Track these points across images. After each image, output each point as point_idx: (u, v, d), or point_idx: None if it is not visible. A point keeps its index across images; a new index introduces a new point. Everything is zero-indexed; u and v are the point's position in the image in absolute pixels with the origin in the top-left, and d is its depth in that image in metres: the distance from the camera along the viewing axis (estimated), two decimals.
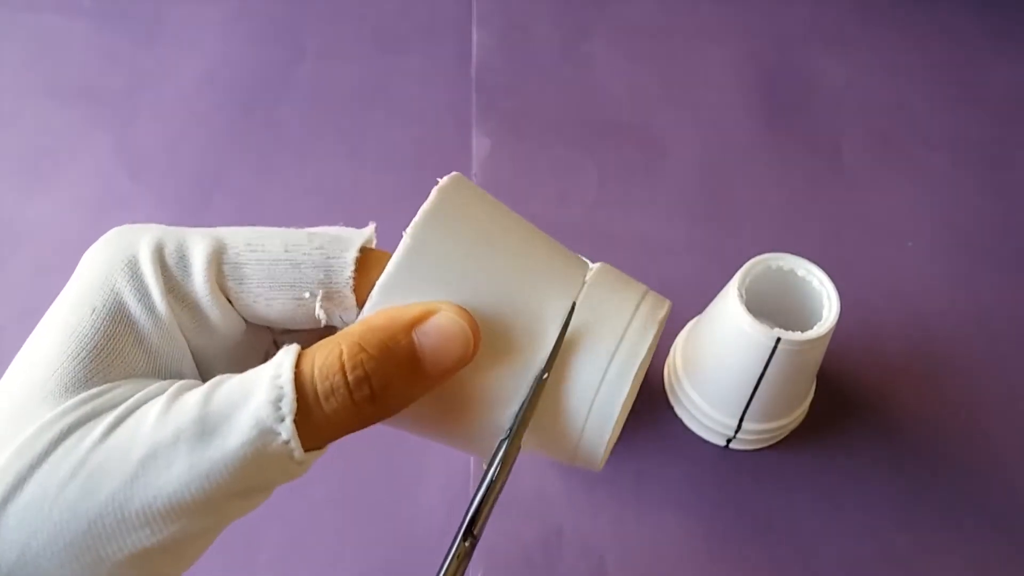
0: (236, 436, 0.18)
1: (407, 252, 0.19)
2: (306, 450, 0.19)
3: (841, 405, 0.56)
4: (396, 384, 0.19)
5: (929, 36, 0.78)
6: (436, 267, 0.19)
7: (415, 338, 0.20)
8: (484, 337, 0.19)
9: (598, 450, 0.20)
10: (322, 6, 0.80)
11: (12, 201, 0.66)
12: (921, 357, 0.58)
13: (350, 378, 0.19)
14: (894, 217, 0.65)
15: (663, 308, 0.21)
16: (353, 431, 0.20)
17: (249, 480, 0.18)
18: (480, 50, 0.76)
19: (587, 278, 0.21)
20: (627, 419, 0.56)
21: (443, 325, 0.20)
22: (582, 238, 0.63)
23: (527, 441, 0.20)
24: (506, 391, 0.20)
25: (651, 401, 0.56)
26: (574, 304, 0.20)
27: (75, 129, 0.71)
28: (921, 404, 0.56)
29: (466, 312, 0.20)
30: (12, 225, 0.65)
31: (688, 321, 0.56)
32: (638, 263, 0.62)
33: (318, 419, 0.19)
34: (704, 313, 0.52)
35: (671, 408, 0.56)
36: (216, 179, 0.67)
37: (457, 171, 0.21)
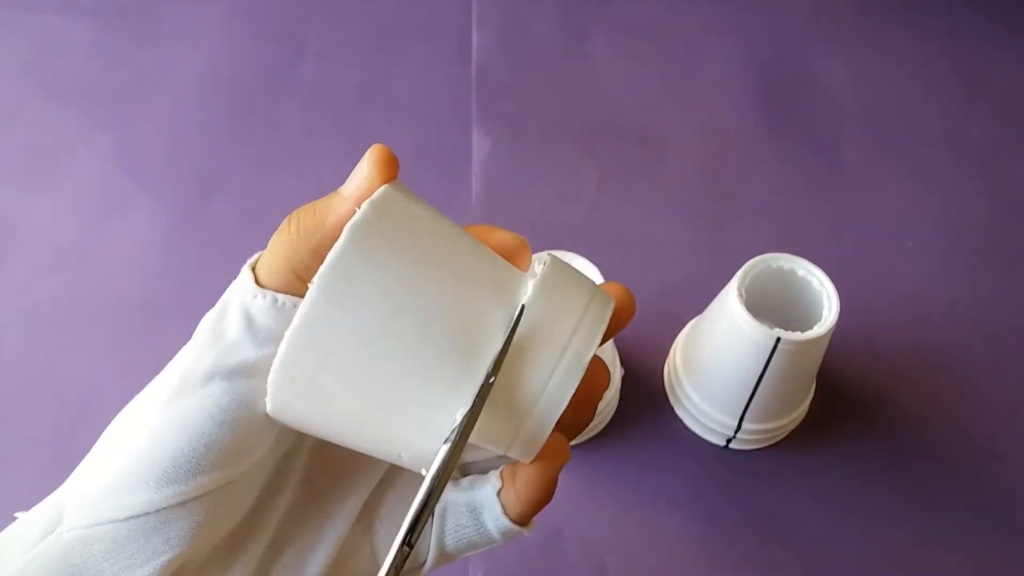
0: None
1: (324, 289, 0.19)
2: None
3: (841, 405, 0.56)
4: (320, 209, 0.22)
5: (929, 36, 0.78)
6: (371, 284, 0.19)
7: None
8: (430, 346, 0.19)
9: (534, 448, 0.21)
10: (322, 6, 0.80)
11: (12, 200, 0.66)
12: (921, 357, 0.58)
13: None
14: (894, 217, 0.65)
15: (608, 309, 0.21)
16: (296, 261, 0.21)
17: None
18: (480, 50, 0.76)
19: (538, 274, 0.21)
20: (627, 419, 0.56)
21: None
22: (582, 238, 0.63)
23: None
24: (450, 399, 0.19)
25: (651, 401, 0.56)
26: (522, 307, 0.20)
27: (75, 129, 0.71)
28: (920, 404, 0.56)
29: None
30: (12, 225, 0.65)
31: (688, 321, 0.56)
32: (638, 263, 0.62)
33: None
34: (704, 313, 0.52)
35: (671, 408, 0.56)
36: (216, 178, 0.67)
37: (388, 185, 0.21)
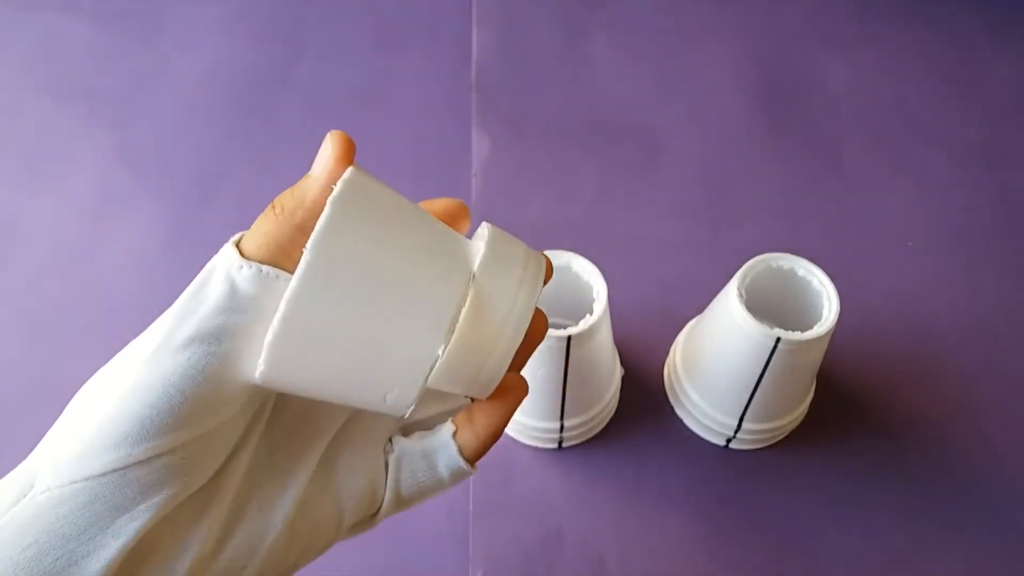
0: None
1: (308, 269, 0.21)
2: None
3: (841, 405, 0.56)
4: (297, 191, 0.24)
5: (929, 36, 0.78)
6: (340, 272, 0.22)
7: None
8: (395, 312, 0.22)
9: (492, 385, 0.24)
10: (322, 6, 0.80)
11: (12, 200, 0.66)
12: (921, 357, 0.58)
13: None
14: (894, 217, 0.65)
15: (542, 266, 0.25)
16: (282, 238, 0.22)
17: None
18: (480, 50, 0.76)
19: (484, 240, 0.24)
20: (627, 418, 0.56)
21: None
22: (582, 238, 0.63)
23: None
24: (430, 340, 0.23)
25: (651, 401, 0.56)
26: (473, 276, 0.23)
27: (75, 129, 0.71)
28: (920, 403, 0.56)
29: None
30: (13, 224, 0.65)
31: (688, 321, 0.56)
32: (638, 263, 0.62)
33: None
34: (704, 313, 0.52)
35: (671, 408, 0.56)
36: (216, 179, 0.67)
37: (353, 168, 0.25)
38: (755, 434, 0.52)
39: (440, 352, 0.23)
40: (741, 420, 0.51)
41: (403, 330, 0.22)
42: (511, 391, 0.26)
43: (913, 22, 0.79)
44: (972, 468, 0.53)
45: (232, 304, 0.21)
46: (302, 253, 0.21)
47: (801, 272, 0.47)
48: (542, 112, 0.71)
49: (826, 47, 0.77)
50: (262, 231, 0.23)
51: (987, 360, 0.58)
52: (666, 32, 0.78)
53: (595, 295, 0.45)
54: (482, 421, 0.26)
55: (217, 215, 0.65)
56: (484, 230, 0.25)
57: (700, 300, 0.53)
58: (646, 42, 0.77)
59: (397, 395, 0.23)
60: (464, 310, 0.23)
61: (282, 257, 0.22)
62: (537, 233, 0.64)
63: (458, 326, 0.23)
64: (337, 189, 0.23)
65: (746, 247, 0.52)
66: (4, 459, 0.56)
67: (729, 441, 0.53)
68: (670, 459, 0.53)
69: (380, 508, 0.26)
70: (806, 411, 0.54)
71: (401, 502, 0.27)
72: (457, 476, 0.27)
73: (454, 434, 0.26)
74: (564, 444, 0.53)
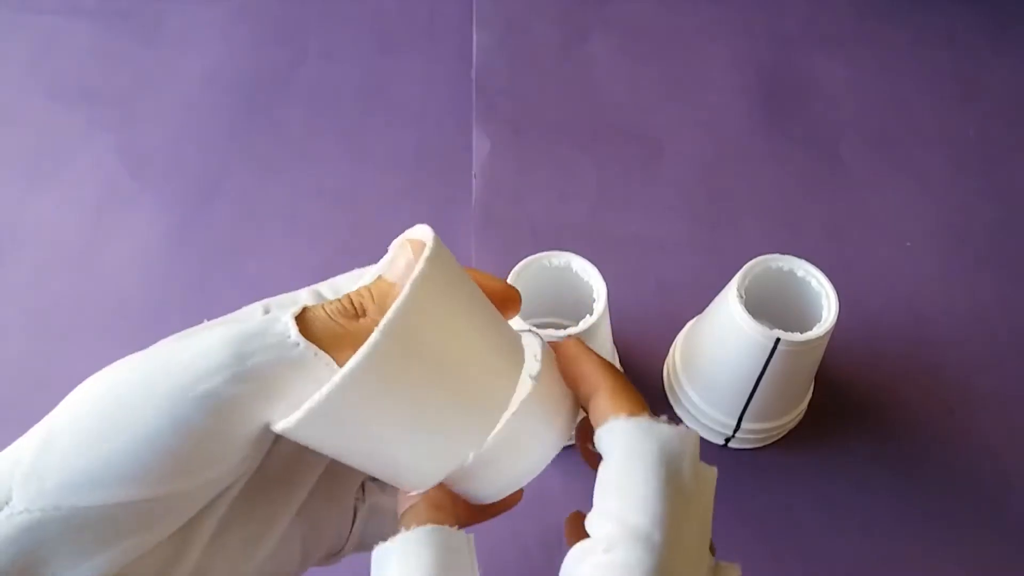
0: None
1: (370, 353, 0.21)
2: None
3: (840, 405, 0.56)
4: (378, 297, 0.23)
5: (928, 37, 0.78)
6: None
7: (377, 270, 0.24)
8: (443, 414, 0.22)
9: (488, 500, 0.25)
10: (323, 7, 0.80)
11: (14, 201, 0.66)
12: (919, 357, 0.58)
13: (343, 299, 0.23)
14: (893, 217, 0.65)
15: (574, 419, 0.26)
16: (350, 343, 0.21)
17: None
18: (480, 51, 0.76)
19: (535, 357, 0.25)
20: None
21: (391, 252, 0.24)
22: (582, 238, 0.63)
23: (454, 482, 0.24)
24: (468, 438, 0.23)
25: (650, 401, 0.56)
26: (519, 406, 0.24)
27: (77, 130, 0.71)
28: (919, 404, 0.56)
29: None
30: (14, 225, 0.65)
31: (687, 321, 0.56)
32: (638, 263, 0.62)
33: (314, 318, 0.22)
34: (704, 313, 0.52)
35: (670, 407, 0.56)
36: (217, 179, 0.67)
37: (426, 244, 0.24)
38: (754, 433, 0.52)
39: (472, 456, 0.23)
40: (740, 420, 0.51)
41: (445, 432, 0.22)
42: (500, 505, 0.26)
43: (913, 22, 0.79)
44: (971, 467, 0.54)
45: (270, 377, 0.21)
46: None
47: (800, 273, 0.47)
48: (542, 112, 0.72)
49: (826, 47, 0.77)
50: (331, 326, 0.22)
51: (986, 360, 0.58)
52: (666, 32, 0.78)
53: (595, 295, 0.46)
54: (463, 509, 0.26)
55: (218, 215, 0.65)
56: (536, 346, 0.25)
57: (700, 300, 0.53)
58: (646, 42, 0.77)
59: (414, 481, 0.23)
60: (501, 432, 0.23)
61: (337, 353, 0.21)
62: (537, 233, 0.64)
63: (494, 442, 0.23)
64: (418, 271, 0.22)
65: (746, 247, 0.53)
66: None
67: (728, 440, 0.53)
68: None
69: (342, 551, 0.26)
70: (805, 410, 0.55)
71: (363, 548, 0.26)
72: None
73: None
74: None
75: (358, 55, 0.76)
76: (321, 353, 0.21)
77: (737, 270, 0.47)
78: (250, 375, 0.20)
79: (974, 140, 0.70)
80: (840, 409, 0.56)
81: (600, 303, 0.45)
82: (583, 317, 0.45)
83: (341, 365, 0.21)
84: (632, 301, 0.59)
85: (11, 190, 0.67)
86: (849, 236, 0.64)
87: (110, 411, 0.20)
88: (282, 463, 0.25)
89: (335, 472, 0.26)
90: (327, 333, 0.21)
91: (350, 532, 0.26)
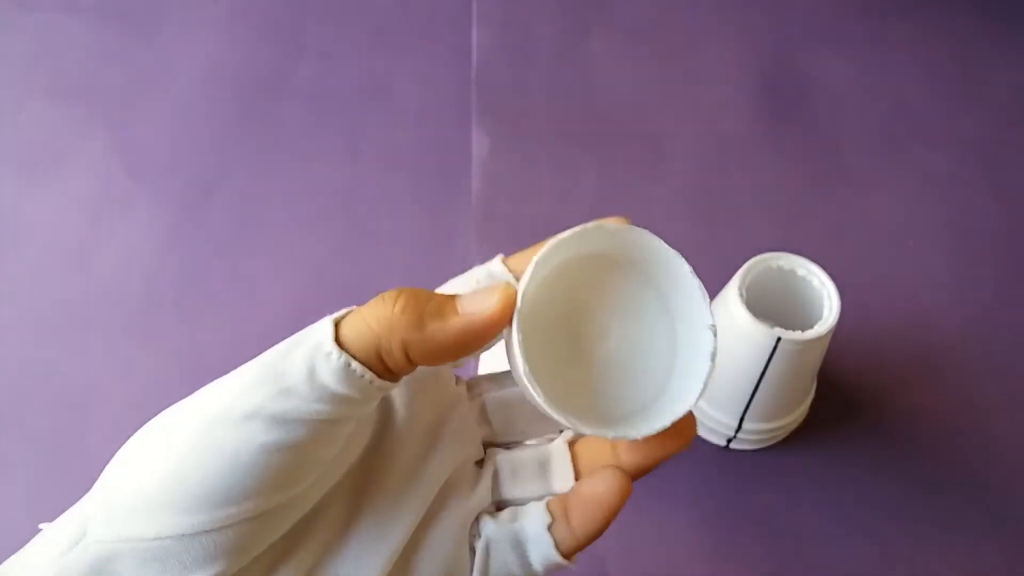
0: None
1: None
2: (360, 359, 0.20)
3: (841, 405, 0.56)
4: (430, 309, 0.21)
5: (929, 36, 0.78)
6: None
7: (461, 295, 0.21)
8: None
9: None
10: (322, 5, 0.80)
11: (12, 200, 0.66)
12: (921, 356, 0.58)
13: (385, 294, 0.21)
14: (895, 216, 0.65)
15: None
16: (385, 346, 0.20)
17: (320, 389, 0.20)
18: (480, 49, 0.76)
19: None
20: None
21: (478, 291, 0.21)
22: None
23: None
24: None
25: None
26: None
27: (75, 128, 0.71)
28: (921, 403, 0.56)
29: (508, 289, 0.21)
30: (12, 223, 0.65)
31: None
32: None
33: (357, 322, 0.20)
34: None
35: None
36: (216, 178, 0.67)
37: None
38: (756, 434, 0.52)
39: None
40: (742, 420, 0.51)
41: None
42: (613, 487, 0.23)
43: (913, 22, 0.79)
44: (974, 468, 0.53)
45: (305, 391, 0.20)
46: (398, 369, 0.20)
47: (801, 272, 0.47)
48: (542, 112, 0.71)
49: (826, 47, 0.77)
50: (370, 322, 0.20)
51: (988, 359, 0.58)
52: (666, 32, 0.78)
53: None
54: (579, 515, 0.23)
55: (217, 214, 0.65)
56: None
57: None
58: (646, 42, 0.77)
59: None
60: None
61: (375, 361, 0.20)
62: (537, 233, 0.63)
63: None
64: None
65: (746, 246, 0.52)
66: (4, 458, 0.56)
67: (730, 441, 0.53)
68: (671, 459, 0.53)
69: None
70: (807, 411, 0.54)
71: None
72: (553, 570, 0.24)
73: (549, 526, 0.23)
74: None
75: (357, 54, 0.76)
76: (355, 364, 0.20)
77: (738, 269, 0.47)
78: (287, 391, 0.20)
79: (976, 139, 0.70)
80: (842, 409, 0.56)
81: None
82: None
83: (377, 370, 0.20)
84: None
85: (9, 188, 0.67)
86: (850, 235, 0.64)
87: (161, 440, 0.20)
88: (388, 491, 0.23)
89: (447, 504, 0.24)
90: (361, 334, 0.20)
91: (472, 572, 0.23)
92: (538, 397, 0.21)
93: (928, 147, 0.70)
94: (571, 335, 0.23)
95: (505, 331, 0.21)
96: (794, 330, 0.45)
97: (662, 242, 0.23)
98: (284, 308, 0.59)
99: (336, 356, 0.20)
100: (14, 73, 0.75)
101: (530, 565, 0.23)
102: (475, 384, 0.26)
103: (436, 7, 0.79)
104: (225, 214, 0.65)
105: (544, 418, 0.24)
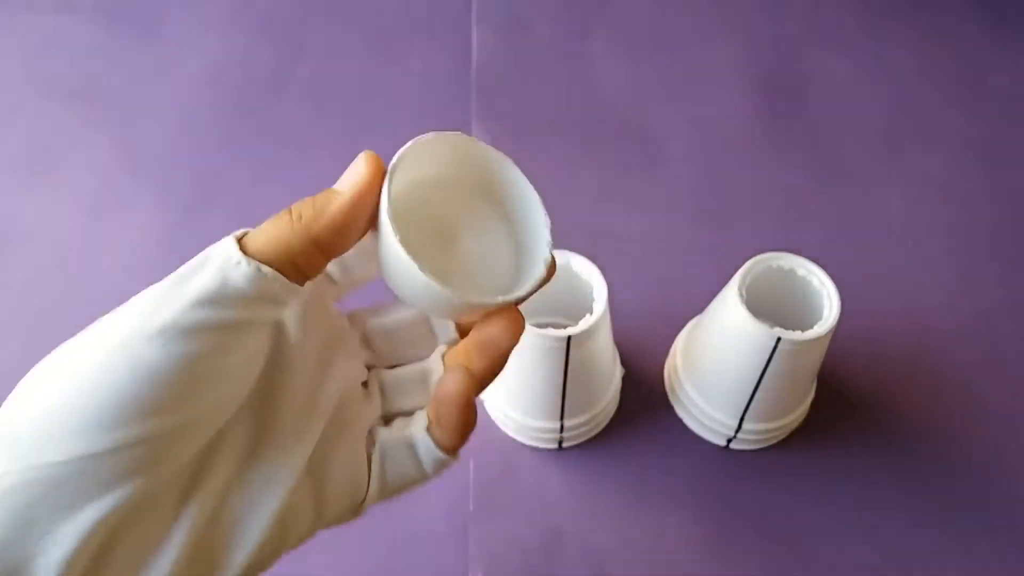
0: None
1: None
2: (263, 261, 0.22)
3: (841, 405, 0.56)
4: (319, 202, 0.23)
5: (928, 36, 0.78)
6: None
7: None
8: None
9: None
10: (322, 5, 0.79)
11: (11, 200, 0.66)
12: (921, 356, 0.58)
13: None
14: (894, 216, 0.65)
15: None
16: (293, 245, 0.22)
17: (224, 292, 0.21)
18: (480, 49, 0.76)
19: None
20: (628, 418, 0.56)
21: (356, 162, 0.24)
22: (582, 238, 0.63)
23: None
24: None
25: (651, 401, 0.56)
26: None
27: (74, 128, 0.71)
28: (921, 404, 0.56)
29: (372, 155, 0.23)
30: (11, 224, 0.65)
31: (688, 321, 0.56)
32: (638, 263, 0.62)
33: (261, 234, 0.23)
34: (704, 313, 0.52)
35: (671, 408, 0.55)
36: (215, 178, 0.67)
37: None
38: (756, 434, 0.52)
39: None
40: (742, 420, 0.51)
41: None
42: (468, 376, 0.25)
43: (913, 22, 0.79)
44: (973, 467, 0.53)
45: (219, 298, 0.21)
46: (308, 266, 0.22)
47: (801, 272, 0.47)
48: (542, 112, 0.71)
49: (826, 47, 0.77)
50: (271, 234, 0.22)
51: (988, 359, 0.58)
52: (666, 32, 0.78)
53: (595, 295, 0.45)
54: (440, 415, 0.25)
55: (217, 214, 0.65)
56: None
57: (700, 300, 0.53)
58: (646, 42, 0.77)
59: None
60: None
61: (285, 264, 0.22)
62: None
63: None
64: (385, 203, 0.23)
65: (746, 246, 0.52)
66: None
67: (730, 441, 0.53)
68: (670, 459, 0.53)
69: (364, 499, 0.26)
70: (807, 411, 0.54)
71: (386, 492, 0.26)
72: (439, 467, 0.26)
73: (427, 428, 0.26)
74: (564, 444, 0.53)
75: (357, 54, 0.76)
76: (265, 268, 0.21)
77: (737, 270, 0.47)
78: (201, 301, 0.21)
79: (976, 139, 0.70)
80: (842, 409, 0.56)
81: (600, 303, 0.45)
82: (583, 317, 0.44)
83: (287, 274, 0.22)
84: (632, 301, 0.59)
85: (8, 189, 0.67)
86: (850, 235, 0.64)
87: (58, 365, 0.21)
88: (292, 407, 0.24)
89: (342, 421, 0.26)
90: (263, 244, 0.22)
91: (368, 480, 0.26)
92: (417, 268, 0.22)
93: (928, 147, 0.70)
94: (428, 234, 0.25)
95: (377, 225, 0.23)
96: (794, 330, 0.45)
97: (509, 163, 0.28)
98: None
99: (246, 264, 0.21)
100: (14, 73, 0.75)
101: (422, 464, 0.26)
102: (354, 315, 0.28)
103: (436, 7, 0.79)
104: (225, 213, 0.65)
105: (420, 339, 0.28)
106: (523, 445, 0.54)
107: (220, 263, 0.21)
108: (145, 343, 0.20)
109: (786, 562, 0.50)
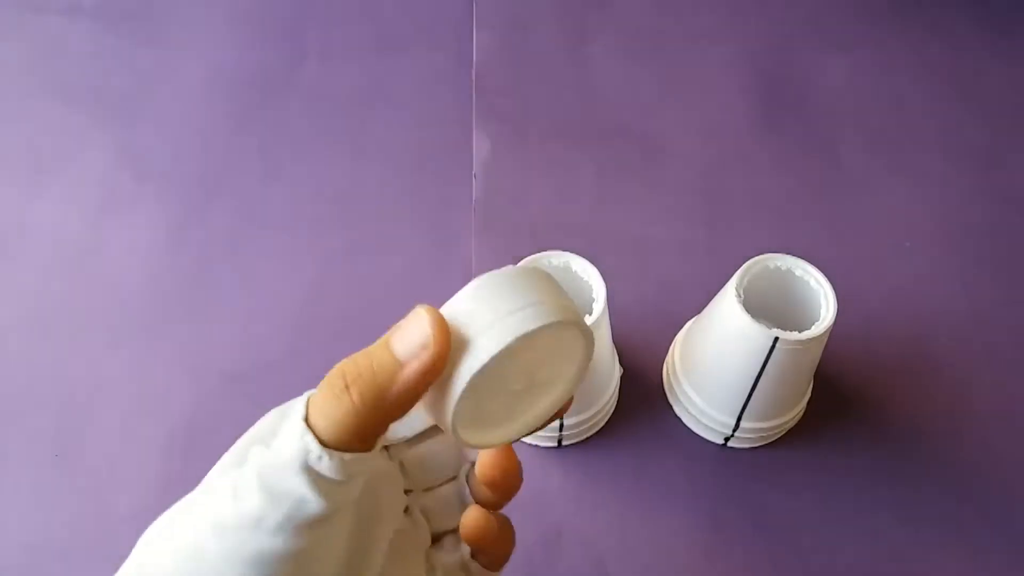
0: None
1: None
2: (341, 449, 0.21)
3: (838, 404, 0.56)
4: (379, 376, 0.21)
5: (926, 37, 0.78)
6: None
7: (389, 335, 0.22)
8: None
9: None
10: (324, 7, 0.80)
11: (15, 202, 0.66)
12: (918, 356, 0.58)
13: (332, 374, 0.21)
14: (891, 217, 0.66)
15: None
16: (365, 428, 0.21)
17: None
18: (480, 51, 0.76)
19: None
20: (626, 417, 0.56)
21: (408, 319, 0.21)
22: (582, 238, 0.64)
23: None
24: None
25: (649, 400, 0.56)
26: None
27: (78, 130, 0.71)
28: (918, 403, 0.56)
29: (432, 310, 0.21)
30: (16, 225, 0.65)
31: (686, 321, 0.57)
32: (638, 263, 0.62)
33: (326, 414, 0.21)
34: (702, 313, 0.52)
35: (670, 407, 0.56)
36: (218, 180, 0.68)
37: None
38: (753, 432, 0.52)
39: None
40: (739, 419, 0.51)
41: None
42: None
43: (910, 23, 0.79)
44: (970, 466, 0.54)
45: (316, 493, 0.20)
46: (375, 437, 0.21)
47: (799, 272, 0.47)
48: (542, 112, 0.72)
49: (824, 48, 0.77)
50: (338, 421, 0.21)
51: (985, 359, 0.58)
52: (666, 33, 0.78)
53: (594, 295, 0.46)
54: (480, 551, 0.27)
55: (220, 216, 0.65)
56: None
57: (699, 300, 0.53)
58: (646, 43, 0.77)
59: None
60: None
61: (356, 443, 0.21)
62: (537, 233, 0.64)
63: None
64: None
65: (744, 247, 0.53)
66: (8, 458, 0.57)
67: (727, 439, 0.53)
68: (669, 457, 0.54)
69: None
70: (804, 410, 0.55)
71: None
72: None
73: (472, 555, 0.28)
74: (564, 442, 0.54)
75: (358, 55, 0.76)
76: (347, 456, 0.21)
77: (735, 270, 0.47)
78: (288, 517, 0.20)
79: (972, 140, 0.71)
80: (839, 409, 0.56)
81: (599, 303, 0.45)
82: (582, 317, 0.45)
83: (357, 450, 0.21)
84: (632, 301, 0.59)
85: (13, 190, 0.67)
86: (848, 236, 0.64)
87: (163, 546, 0.21)
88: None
89: (398, 550, 0.26)
90: (334, 433, 0.21)
91: None
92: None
93: (925, 148, 0.70)
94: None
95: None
96: (791, 330, 0.45)
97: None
98: (286, 308, 0.60)
99: (327, 457, 0.20)
100: (18, 75, 0.75)
101: None
102: (391, 447, 0.28)
103: (437, 9, 0.79)
104: (228, 215, 0.65)
105: (450, 461, 0.28)
106: (522, 443, 0.54)
107: (301, 458, 0.21)
108: (266, 540, 0.20)
109: (783, 559, 0.50)
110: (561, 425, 0.51)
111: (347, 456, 0.21)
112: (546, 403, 0.25)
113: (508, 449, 0.26)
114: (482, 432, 0.23)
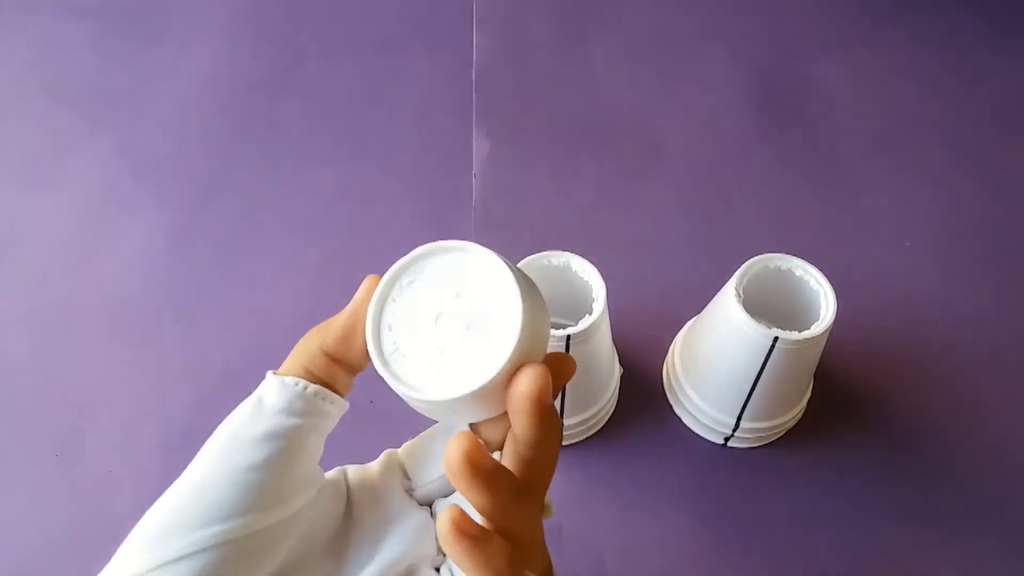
0: None
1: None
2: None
3: (838, 403, 0.56)
4: (329, 321, 0.26)
5: (926, 37, 0.78)
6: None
7: None
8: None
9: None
10: (324, 8, 0.80)
11: (15, 201, 0.67)
12: (918, 355, 0.58)
13: None
14: (892, 217, 0.66)
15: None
16: (312, 358, 0.26)
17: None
18: (480, 51, 0.76)
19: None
20: (626, 417, 0.56)
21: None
22: (582, 238, 0.64)
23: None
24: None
25: (650, 400, 0.56)
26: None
27: (78, 130, 0.71)
28: (918, 402, 0.56)
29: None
30: (15, 224, 0.65)
31: (686, 321, 0.57)
32: (637, 263, 0.62)
33: None
34: (702, 313, 0.52)
35: (670, 407, 0.56)
36: (218, 179, 0.68)
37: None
38: (753, 432, 0.52)
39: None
40: (739, 418, 0.51)
41: None
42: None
43: (911, 23, 0.79)
44: (970, 465, 0.54)
45: (259, 416, 0.24)
46: (326, 375, 0.25)
47: (798, 272, 0.47)
48: (542, 112, 0.72)
49: (824, 48, 0.77)
50: (290, 358, 0.26)
51: (984, 359, 0.58)
52: (666, 33, 0.78)
53: (594, 295, 0.46)
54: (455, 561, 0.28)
55: (219, 215, 0.65)
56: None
57: (698, 300, 0.53)
58: (646, 43, 0.77)
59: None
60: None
61: (304, 374, 0.26)
62: (537, 233, 0.64)
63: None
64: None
65: (744, 247, 0.53)
66: (9, 458, 0.57)
67: (727, 439, 0.53)
68: (669, 457, 0.54)
69: None
70: (804, 409, 0.55)
71: None
72: None
73: None
74: (564, 442, 0.54)
75: (358, 55, 0.76)
76: (288, 379, 0.25)
77: (735, 270, 0.47)
78: (294, 411, 0.24)
79: (972, 139, 0.71)
80: (839, 408, 0.56)
81: (599, 303, 0.45)
82: (583, 317, 0.45)
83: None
84: (632, 301, 0.59)
85: (12, 189, 0.67)
86: (848, 235, 0.64)
87: (186, 481, 0.25)
88: (365, 533, 0.27)
89: (409, 557, 0.27)
90: (284, 369, 0.26)
91: None
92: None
93: (924, 148, 0.70)
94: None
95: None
96: (791, 330, 0.45)
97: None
98: (286, 308, 0.60)
99: (273, 380, 0.25)
100: (18, 75, 0.75)
101: None
102: (393, 453, 0.30)
103: (437, 10, 0.79)
104: (227, 215, 0.65)
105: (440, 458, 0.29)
106: None
107: (277, 387, 0.25)
108: (244, 448, 0.24)
109: (782, 557, 0.50)
110: (561, 425, 0.51)
111: (288, 379, 0.25)
112: (490, 349, 0.24)
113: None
114: (423, 376, 0.23)
